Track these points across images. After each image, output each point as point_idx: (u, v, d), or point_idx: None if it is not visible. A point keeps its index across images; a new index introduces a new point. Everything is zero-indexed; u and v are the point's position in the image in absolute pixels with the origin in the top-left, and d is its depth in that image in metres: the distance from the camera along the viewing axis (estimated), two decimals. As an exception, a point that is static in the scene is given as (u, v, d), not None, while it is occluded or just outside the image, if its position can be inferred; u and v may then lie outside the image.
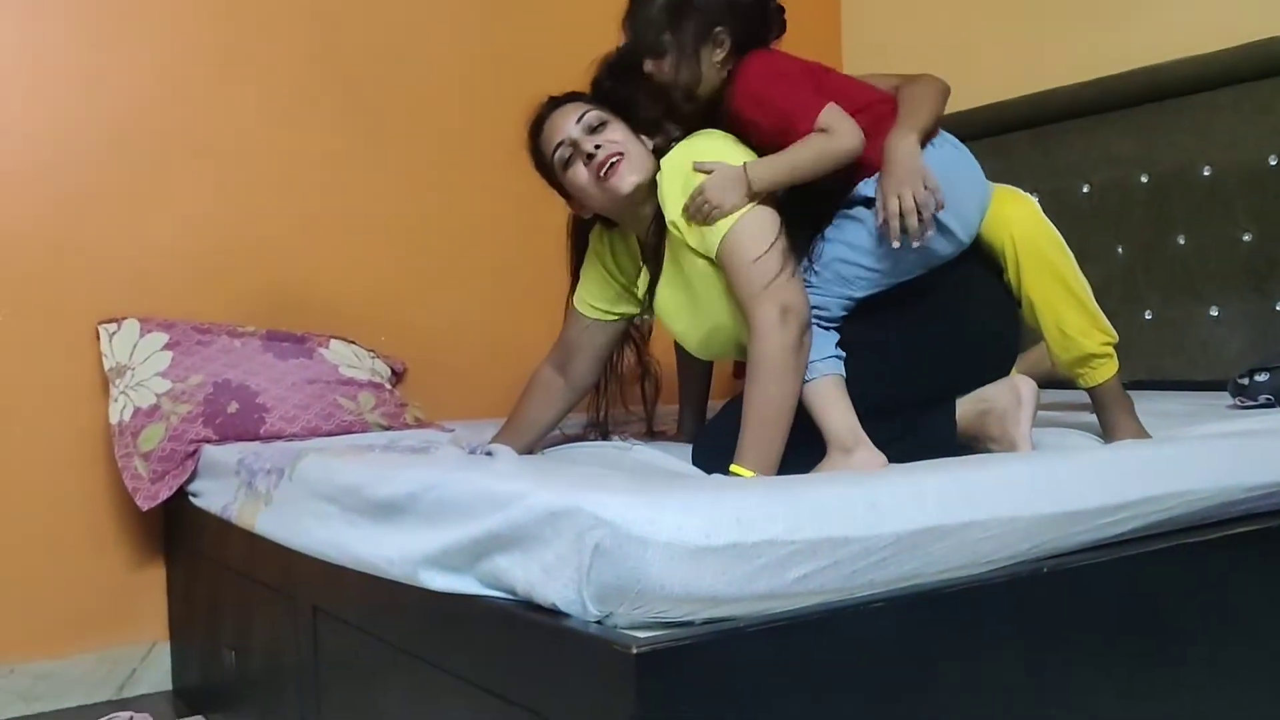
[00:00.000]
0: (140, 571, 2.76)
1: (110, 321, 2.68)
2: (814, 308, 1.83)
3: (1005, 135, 3.16)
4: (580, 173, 2.00)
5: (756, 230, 1.83)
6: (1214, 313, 2.81)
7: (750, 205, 1.83)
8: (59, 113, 2.70)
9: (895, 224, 1.77)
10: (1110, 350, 1.96)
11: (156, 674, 2.75)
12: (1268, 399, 2.26)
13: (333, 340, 2.86)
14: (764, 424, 1.76)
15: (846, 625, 1.19)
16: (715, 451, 1.85)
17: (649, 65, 1.96)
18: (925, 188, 1.77)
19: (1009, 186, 2.04)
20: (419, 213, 3.14)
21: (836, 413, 1.78)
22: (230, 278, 2.88)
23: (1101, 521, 1.46)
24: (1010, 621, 1.33)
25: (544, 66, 3.30)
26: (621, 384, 2.35)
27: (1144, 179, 2.95)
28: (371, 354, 2.93)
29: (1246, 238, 2.75)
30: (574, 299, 2.27)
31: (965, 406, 1.87)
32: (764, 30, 1.98)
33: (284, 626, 1.99)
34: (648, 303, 2.11)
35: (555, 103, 2.11)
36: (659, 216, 1.97)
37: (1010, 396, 1.84)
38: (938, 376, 1.91)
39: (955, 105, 3.23)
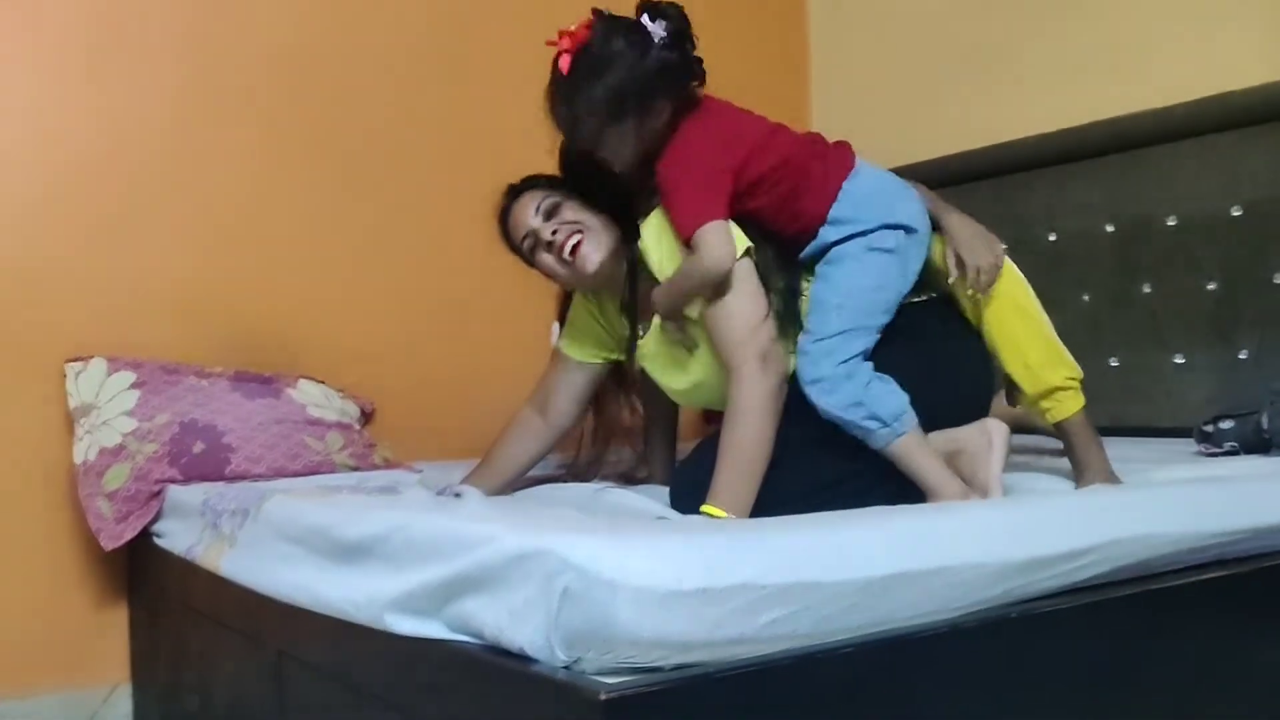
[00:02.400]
0: (102, 612, 2.72)
1: (77, 360, 2.66)
2: (857, 356, 1.85)
3: (971, 184, 3.19)
4: (546, 259, 2.07)
5: (739, 280, 1.87)
6: (1179, 360, 2.84)
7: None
8: (28, 148, 2.69)
9: (982, 279, 1.94)
10: (1074, 384, 1.98)
11: (118, 716, 2.70)
12: (1233, 446, 2.28)
13: (301, 380, 2.85)
14: (739, 466, 1.77)
15: (817, 671, 1.19)
16: (696, 493, 1.83)
17: (600, 157, 1.97)
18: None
19: None
20: (390, 254, 3.14)
21: (928, 462, 1.80)
22: (199, 317, 2.86)
23: (1069, 566, 1.46)
24: (979, 666, 1.33)
25: (515, 107, 3.33)
26: (610, 426, 2.35)
27: (1109, 228, 2.99)
28: (340, 394, 2.91)
29: (1211, 286, 2.78)
30: (560, 340, 2.28)
31: (936, 446, 1.87)
32: (691, 81, 1.96)
33: (249, 671, 1.97)
34: (629, 354, 2.14)
35: (514, 193, 2.16)
36: (633, 276, 2.02)
37: (982, 439, 1.85)
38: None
39: (923, 154, 3.32)
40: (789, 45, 3.96)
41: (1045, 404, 1.98)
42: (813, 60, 3.99)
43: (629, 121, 1.91)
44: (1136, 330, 2.91)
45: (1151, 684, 1.51)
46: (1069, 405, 1.97)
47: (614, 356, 2.24)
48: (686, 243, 1.88)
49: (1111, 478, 1.94)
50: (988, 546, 1.39)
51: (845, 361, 1.84)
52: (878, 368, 1.88)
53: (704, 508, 1.74)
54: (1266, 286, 2.67)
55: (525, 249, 2.11)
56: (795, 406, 1.86)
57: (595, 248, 2.02)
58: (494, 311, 3.24)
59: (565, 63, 1.92)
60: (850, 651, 1.21)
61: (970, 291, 1.97)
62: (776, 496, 1.77)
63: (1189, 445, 2.41)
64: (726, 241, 1.85)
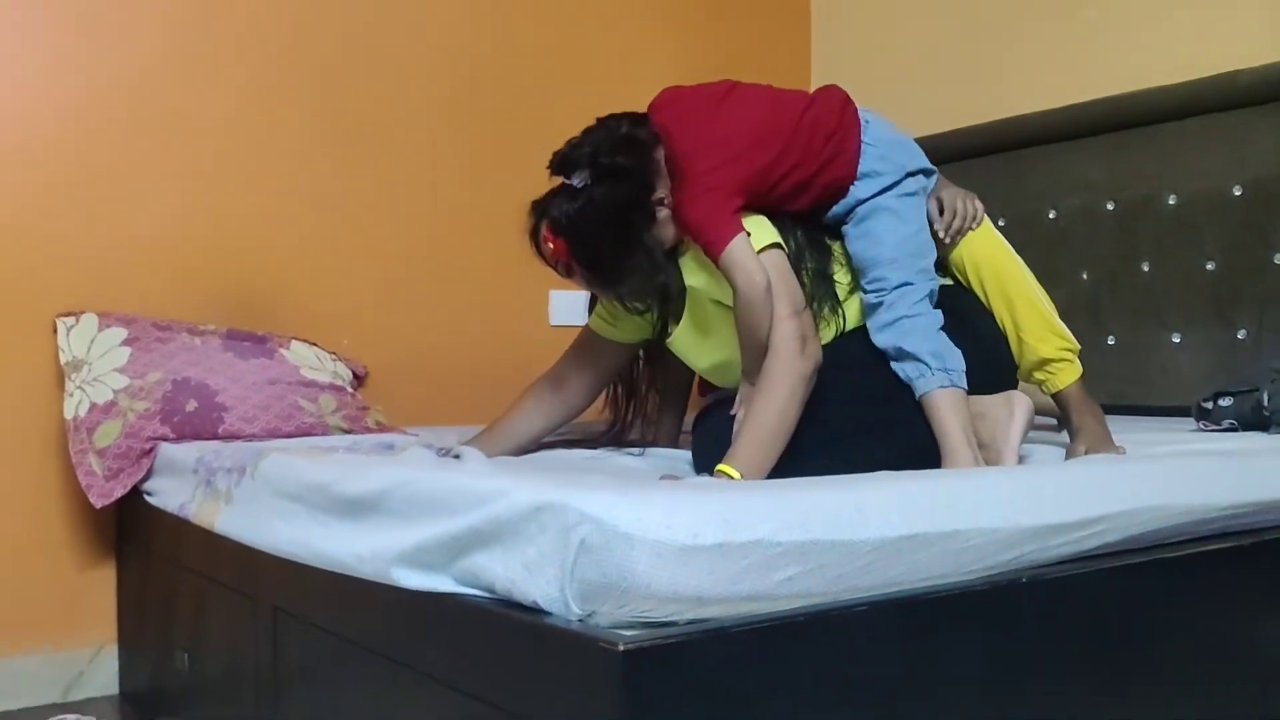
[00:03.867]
0: (90, 571, 2.69)
1: (68, 315, 2.63)
2: (925, 299, 1.91)
3: (974, 159, 3.18)
4: (580, 282, 2.01)
5: (774, 271, 1.87)
6: (1176, 339, 2.83)
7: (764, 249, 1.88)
8: (25, 100, 2.65)
9: (955, 222, 2.00)
10: (1068, 356, 2.02)
11: (104, 677, 2.68)
12: (1231, 424, 2.28)
13: (294, 341, 2.82)
14: (763, 435, 1.77)
15: (831, 628, 1.18)
16: (717, 448, 1.84)
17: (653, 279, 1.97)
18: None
19: None
20: (386, 217, 3.11)
21: (957, 428, 1.82)
22: (193, 275, 2.83)
23: (1080, 534, 1.46)
24: (990, 629, 1.32)
25: (521, 71, 3.32)
26: (642, 402, 2.35)
27: (1110, 206, 2.98)
28: (333, 356, 2.89)
29: (1210, 266, 2.78)
30: (591, 317, 2.26)
31: None
32: (649, 178, 1.92)
33: (242, 628, 1.95)
34: (659, 336, 2.14)
35: (541, 212, 2.01)
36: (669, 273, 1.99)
37: (1004, 409, 1.86)
38: None
39: (924, 129, 3.30)
40: (791, 18, 3.94)
41: (1040, 375, 2.03)
42: (814, 34, 3.97)
43: (639, 238, 1.90)
44: (1135, 308, 2.91)
45: (1157, 651, 1.51)
46: (1064, 376, 2.02)
47: (642, 335, 2.22)
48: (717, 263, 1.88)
49: (1107, 445, 1.96)
50: (1002, 512, 1.38)
51: (919, 301, 1.89)
52: None
53: (720, 466, 1.73)
54: (1266, 266, 2.67)
55: (560, 270, 2.03)
56: (828, 393, 1.87)
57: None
58: (490, 278, 3.22)
59: (577, 267, 1.92)
60: (864, 610, 1.20)
61: (943, 237, 2.01)
62: (804, 455, 1.79)
63: (1186, 423, 2.41)
64: (751, 261, 1.84)
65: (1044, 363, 2.02)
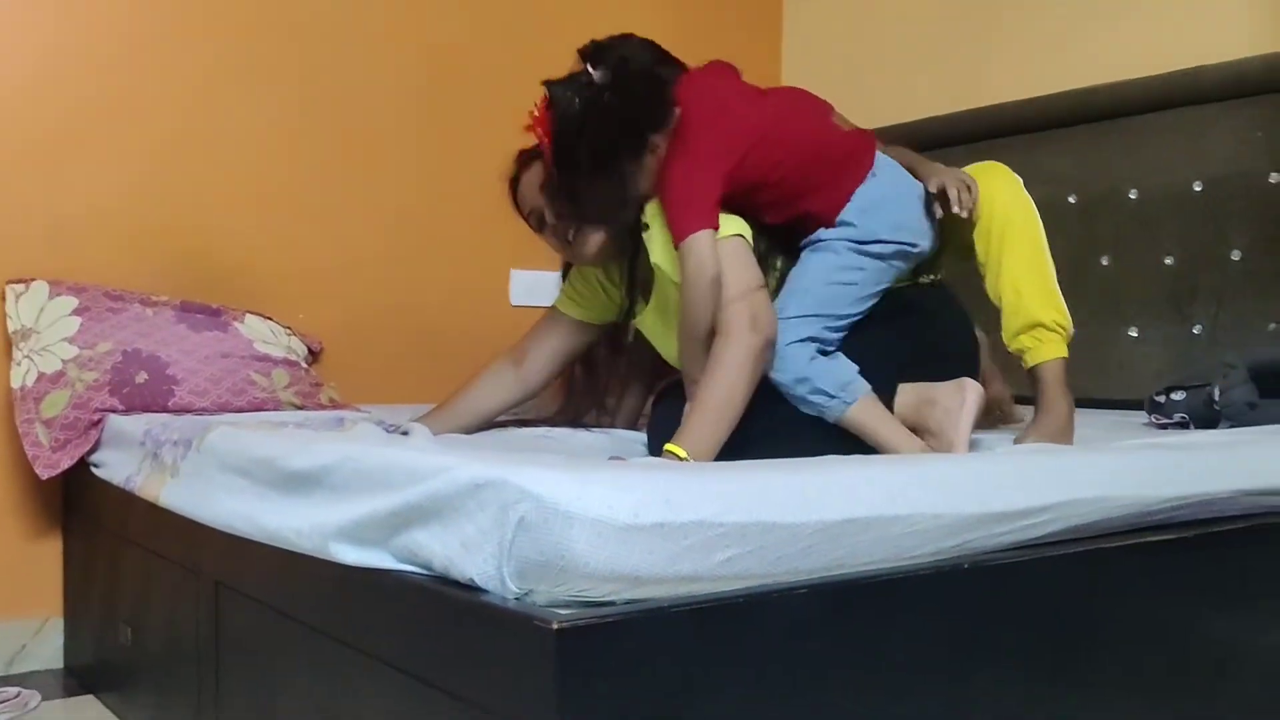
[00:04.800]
0: (35, 543, 2.66)
1: (18, 282, 2.58)
2: (813, 338, 1.87)
3: (942, 149, 3.17)
4: (549, 238, 2.06)
5: (731, 256, 1.85)
6: (1134, 333, 2.85)
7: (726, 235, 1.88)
8: (-26, 63, 2.61)
9: (959, 194, 1.93)
10: (1060, 330, 2.00)
11: (48, 650, 2.65)
12: (1183, 418, 2.29)
13: (249, 315, 2.79)
14: (712, 415, 1.77)
15: (770, 610, 1.17)
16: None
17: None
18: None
19: (997, 163, 2.11)
20: (347, 192, 3.08)
21: (886, 428, 1.83)
22: (147, 245, 2.79)
23: (1024, 523, 1.46)
24: (931, 614, 1.32)
25: (480, 52, 3.29)
26: (601, 385, 2.35)
27: (1073, 199, 2.99)
28: (288, 331, 2.86)
29: (1169, 261, 2.79)
30: (559, 296, 2.26)
31: (909, 396, 1.89)
32: (662, 107, 1.90)
33: (185, 602, 1.93)
34: (625, 317, 2.15)
35: (525, 161, 2.09)
36: (635, 251, 2.01)
37: (956, 397, 1.85)
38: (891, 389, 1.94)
39: (893, 119, 3.30)
40: (763, 4, 3.93)
41: (1026, 340, 2.00)
42: (786, 21, 3.96)
43: (626, 172, 1.89)
44: (1094, 302, 2.92)
45: (1098, 640, 1.51)
46: (1050, 350, 2.00)
47: (606, 317, 2.23)
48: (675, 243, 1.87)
49: (1064, 439, 1.95)
50: (946, 498, 1.38)
51: (791, 344, 1.85)
52: (866, 343, 1.91)
53: (668, 446, 1.72)
54: (1223, 262, 2.69)
55: (532, 222, 2.09)
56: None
57: (596, 230, 2.00)
58: (451, 256, 3.20)
59: (548, 151, 1.89)
60: (804, 593, 1.20)
61: (958, 211, 1.94)
62: (760, 434, 1.80)
63: (1141, 416, 2.42)
64: (707, 253, 1.83)
65: (1035, 325, 1.99)
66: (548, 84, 1.89)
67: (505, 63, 3.30)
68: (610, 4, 3.51)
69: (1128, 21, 2.99)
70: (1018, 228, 2.01)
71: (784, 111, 2.00)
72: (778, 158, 1.93)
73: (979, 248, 2.04)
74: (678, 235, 1.85)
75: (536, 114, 1.88)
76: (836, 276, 1.93)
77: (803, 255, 1.98)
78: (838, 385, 1.85)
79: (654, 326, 2.09)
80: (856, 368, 1.87)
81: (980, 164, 2.10)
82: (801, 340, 1.87)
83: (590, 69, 1.86)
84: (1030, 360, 2.01)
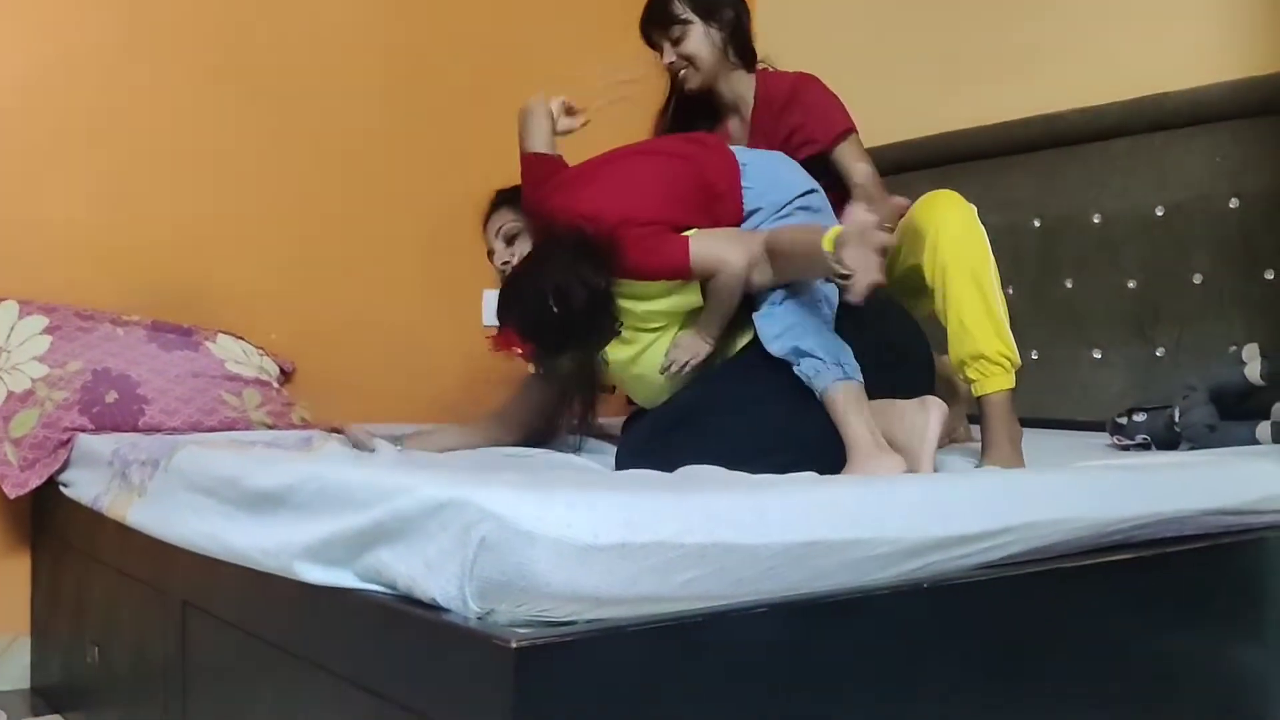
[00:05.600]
0: (4, 562, 2.65)
1: (-13, 301, 2.58)
2: (815, 304, 1.97)
3: (906, 174, 3.21)
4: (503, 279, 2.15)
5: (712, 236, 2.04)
6: (1096, 355, 2.88)
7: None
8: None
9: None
10: (1005, 363, 2.03)
11: (15, 670, 2.64)
12: (1144, 439, 2.32)
13: (220, 335, 2.79)
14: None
15: (729, 631, 1.18)
16: (638, 458, 1.90)
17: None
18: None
19: (949, 191, 2.18)
20: (316, 211, 3.09)
21: (858, 419, 1.86)
22: (119, 265, 2.79)
23: (984, 545, 1.47)
24: (891, 635, 1.33)
25: (458, 65, 3.31)
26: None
27: (1036, 223, 3.02)
28: (260, 351, 2.86)
29: (1131, 284, 2.83)
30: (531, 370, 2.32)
31: (876, 410, 1.91)
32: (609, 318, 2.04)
33: (152, 622, 1.93)
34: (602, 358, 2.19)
35: (495, 204, 2.33)
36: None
37: (920, 413, 1.88)
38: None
39: (865, 142, 3.33)
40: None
41: (971, 372, 2.04)
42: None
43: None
44: (1057, 324, 2.96)
45: (1057, 660, 1.53)
46: (995, 381, 2.03)
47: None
48: (688, 276, 2.00)
49: (1012, 463, 2.00)
50: (908, 521, 1.39)
51: (803, 307, 1.94)
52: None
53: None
54: (1185, 285, 2.73)
55: (493, 261, 2.29)
56: (750, 366, 1.98)
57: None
58: (423, 276, 3.21)
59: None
60: (763, 612, 1.21)
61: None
62: (721, 448, 1.83)
63: (1103, 438, 2.45)
64: (715, 245, 1.98)
65: (978, 357, 2.03)
66: (500, 318, 2.02)
67: (478, 82, 3.32)
68: (577, 25, 3.54)
69: (1092, 48, 3.03)
70: (963, 257, 2.06)
71: (653, 187, 2.11)
72: (679, 214, 2.07)
73: (926, 274, 2.10)
74: (685, 275, 2.01)
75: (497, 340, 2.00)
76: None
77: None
78: (846, 360, 1.91)
79: (621, 362, 2.13)
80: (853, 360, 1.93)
81: (933, 192, 2.18)
82: (810, 304, 1.95)
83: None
84: (976, 391, 2.06)
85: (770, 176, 2.14)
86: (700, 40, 2.37)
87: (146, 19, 2.84)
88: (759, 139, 2.41)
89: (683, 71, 2.39)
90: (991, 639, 1.45)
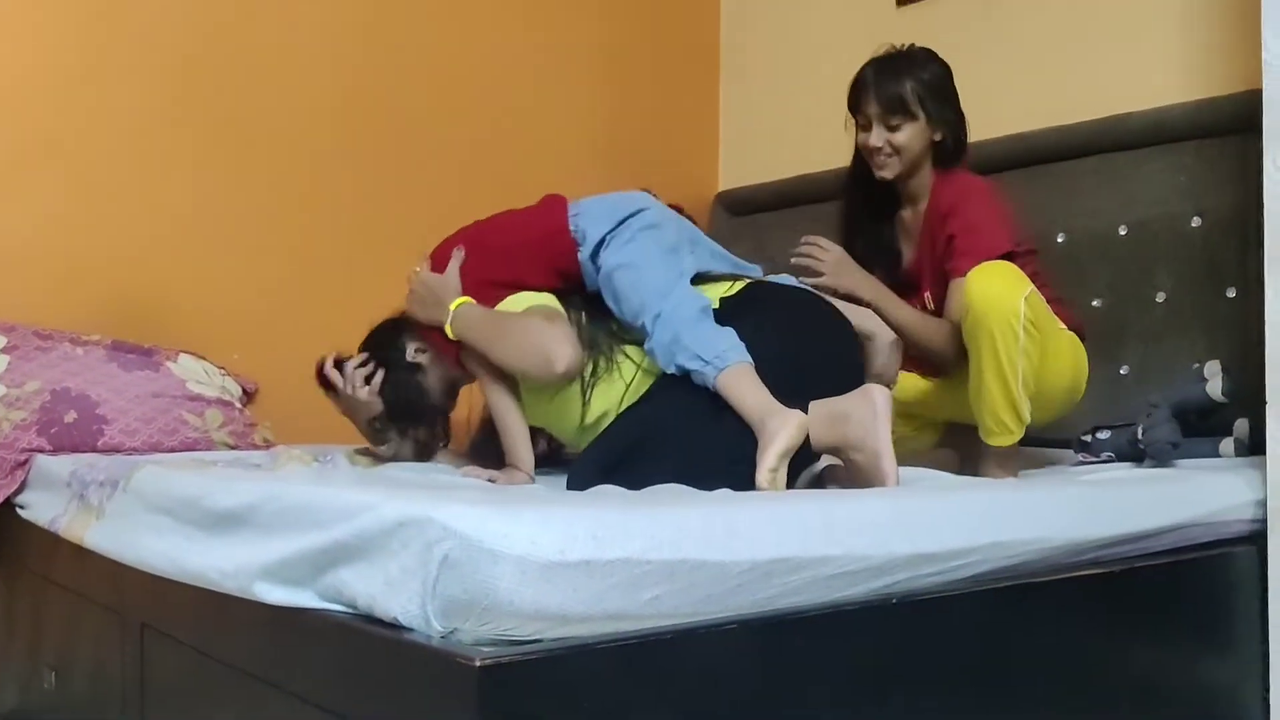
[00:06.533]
0: (-43, 586, 2.60)
1: (-57, 321, 2.54)
2: (677, 315, 2.00)
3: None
4: None
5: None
6: (1063, 374, 2.89)
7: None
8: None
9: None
10: (1010, 432, 2.15)
11: (-31, 696, 2.58)
12: (1109, 456, 2.33)
13: (182, 354, 2.76)
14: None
15: (697, 647, 1.17)
16: (593, 475, 1.89)
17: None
18: None
19: (1004, 265, 2.19)
20: (279, 231, 3.06)
21: (746, 393, 1.88)
22: (79, 284, 2.76)
23: (954, 563, 1.47)
24: (859, 651, 1.33)
25: (417, 84, 3.30)
26: None
27: (1003, 242, 3.03)
28: (222, 371, 2.83)
29: (1096, 303, 2.84)
30: None
31: (819, 416, 1.87)
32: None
33: (110, 645, 1.89)
34: None
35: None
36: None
37: (867, 407, 1.85)
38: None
39: (829, 163, 3.34)
40: (699, 61, 3.96)
41: (980, 428, 2.18)
42: (723, 74, 3.99)
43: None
44: (1024, 343, 2.96)
45: (1026, 677, 1.52)
46: (1000, 439, 2.17)
47: None
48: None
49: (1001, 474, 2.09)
50: (878, 538, 1.39)
51: (671, 321, 1.97)
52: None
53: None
54: (1148, 304, 2.74)
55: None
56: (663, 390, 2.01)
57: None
58: (386, 295, 3.16)
59: None
60: (732, 629, 1.20)
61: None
62: (685, 465, 1.83)
63: (1069, 455, 2.45)
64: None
65: (986, 428, 2.16)
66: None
67: (440, 105, 3.31)
68: (537, 47, 3.54)
69: (1055, 70, 3.05)
70: (988, 332, 2.10)
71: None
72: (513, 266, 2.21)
73: (964, 340, 2.19)
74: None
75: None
76: (639, 275, 2.07)
77: (609, 296, 2.12)
78: (719, 350, 1.92)
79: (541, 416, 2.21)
80: (733, 332, 1.95)
81: (989, 264, 2.18)
82: (676, 316, 1.98)
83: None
84: (984, 437, 2.19)
85: (601, 201, 2.23)
86: (917, 136, 2.35)
87: (107, 35, 2.81)
88: (925, 239, 2.42)
89: (885, 159, 2.36)
90: (961, 656, 1.44)
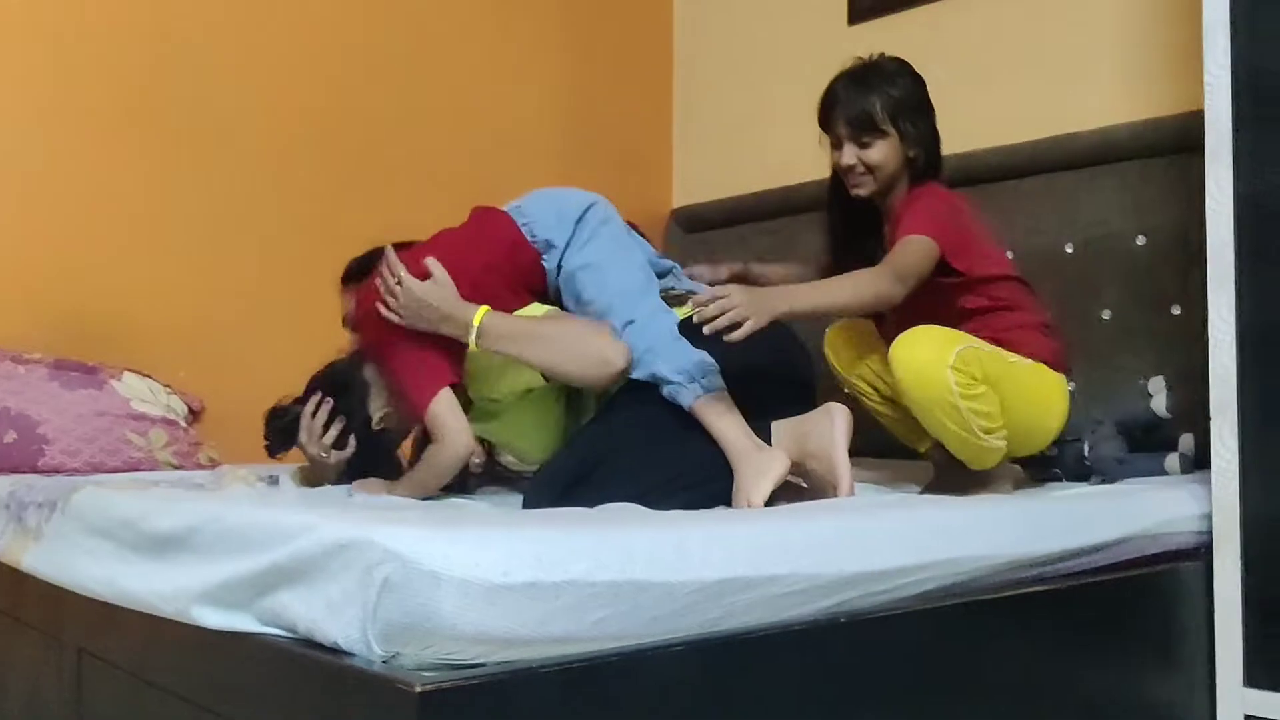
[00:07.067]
0: (-110, 612, 2.53)
1: (-121, 339, 2.49)
2: (668, 325, 2.01)
3: (819, 212, 3.22)
4: None
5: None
6: (1011, 390, 2.90)
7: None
8: None
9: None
10: (991, 456, 2.08)
11: (-100, 725, 2.52)
12: (1056, 473, 2.34)
13: (127, 373, 2.71)
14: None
15: (644, 670, 1.16)
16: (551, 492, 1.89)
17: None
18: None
19: (934, 333, 2.03)
20: (230, 246, 3.02)
21: (728, 425, 1.90)
22: (20, 302, 2.70)
23: (902, 581, 1.47)
24: (808, 670, 1.32)
25: (361, 104, 3.28)
26: None
27: (951, 260, 3.05)
28: (168, 389, 2.78)
29: (1043, 320, 2.86)
30: None
31: (785, 430, 1.94)
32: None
33: (47, 671, 1.85)
34: None
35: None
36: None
37: (826, 421, 1.92)
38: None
39: (776, 181, 3.36)
40: (654, 64, 3.97)
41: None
42: (676, 86, 4.00)
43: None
44: (973, 360, 2.97)
45: (977, 694, 1.52)
46: (984, 461, 2.10)
47: None
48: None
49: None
50: (827, 556, 1.39)
51: (647, 330, 1.97)
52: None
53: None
54: (1094, 321, 2.76)
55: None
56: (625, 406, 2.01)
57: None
58: (332, 314, 3.14)
59: None
60: (680, 650, 1.19)
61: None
62: (643, 483, 1.84)
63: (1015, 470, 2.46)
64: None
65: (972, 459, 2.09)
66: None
67: (392, 122, 3.29)
68: (501, 56, 3.53)
69: (1002, 89, 3.08)
70: (924, 409, 2.01)
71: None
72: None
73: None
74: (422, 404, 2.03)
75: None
76: (606, 277, 2.07)
77: (571, 300, 2.11)
78: (700, 373, 1.93)
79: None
80: (710, 358, 1.95)
81: (912, 332, 2.03)
82: (651, 323, 1.99)
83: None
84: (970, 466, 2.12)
85: (545, 204, 2.18)
86: (890, 154, 2.23)
87: (53, 50, 2.77)
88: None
89: (859, 177, 2.25)
90: (911, 674, 1.44)
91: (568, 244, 2.12)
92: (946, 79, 3.16)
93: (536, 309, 2.11)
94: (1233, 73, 1.97)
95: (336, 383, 2.21)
